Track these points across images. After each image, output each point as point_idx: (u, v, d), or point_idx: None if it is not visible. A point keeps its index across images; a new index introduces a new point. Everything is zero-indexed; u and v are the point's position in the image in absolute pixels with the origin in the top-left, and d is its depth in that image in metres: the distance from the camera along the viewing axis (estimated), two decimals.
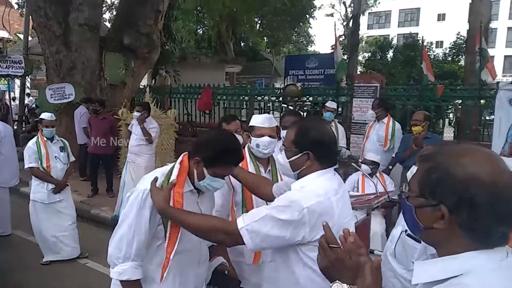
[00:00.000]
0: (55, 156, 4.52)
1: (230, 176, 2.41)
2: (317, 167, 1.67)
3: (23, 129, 11.06)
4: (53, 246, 4.52)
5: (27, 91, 13.94)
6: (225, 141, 1.87)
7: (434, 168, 0.96)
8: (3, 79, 13.87)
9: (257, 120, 2.51)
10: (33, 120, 11.04)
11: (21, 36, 12.03)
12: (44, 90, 8.18)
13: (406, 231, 1.92)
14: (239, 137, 3.21)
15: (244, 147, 2.56)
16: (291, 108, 8.68)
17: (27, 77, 11.03)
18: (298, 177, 1.71)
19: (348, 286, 1.12)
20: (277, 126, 2.58)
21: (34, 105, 12.65)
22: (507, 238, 0.93)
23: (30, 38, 11.41)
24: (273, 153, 2.51)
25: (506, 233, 0.92)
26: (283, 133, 3.16)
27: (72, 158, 4.81)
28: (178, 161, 1.91)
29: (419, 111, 5.49)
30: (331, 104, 5.84)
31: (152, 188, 1.78)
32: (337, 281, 1.15)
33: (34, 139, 4.54)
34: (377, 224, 4.13)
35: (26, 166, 4.46)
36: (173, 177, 1.85)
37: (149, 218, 1.79)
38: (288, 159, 1.72)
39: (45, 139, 4.50)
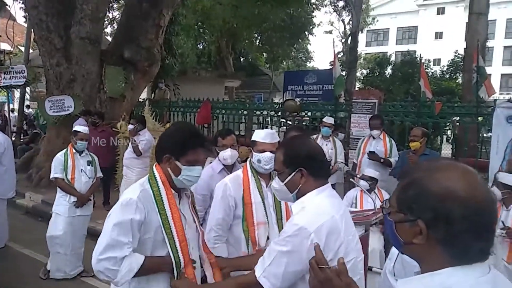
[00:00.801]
0: (81, 169, 4.45)
1: (231, 188, 2.42)
2: (312, 182, 1.64)
3: (21, 140, 11.05)
4: (62, 263, 4.37)
5: (27, 103, 13.96)
6: (183, 127, 1.95)
7: (411, 184, 0.97)
8: (2, 90, 13.96)
9: (259, 135, 2.52)
10: (31, 132, 11.01)
11: (23, 48, 12.11)
12: (43, 102, 8.20)
13: None
14: (235, 152, 3.21)
15: (245, 161, 2.55)
16: (290, 123, 8.72)
17: (27, 88, 11.07)
18: (297, 197, 1.68)
19: None
20: (279, 141, 2.59)
21: (33, 117, 12.65)
22: (487, 254, 0.92)
23: (31, 51, 11.50)
24: None
25: (485, 249, 0.91)
26: None
27: (100, 174, 4.72)
28: (156, 174, 1.88)
29: (417, 127, 5.52)
30: (328, 120, 5.85)
31: (174, 284, 1.82)
32: None
33: (64, 150, 4.51)
34: (375, 241, 4.10)
35: (51, 176, 4.46)
36: (160, 185, 1.85)
37: (131, 222, 1.76)
38: (282, 182, 1.69)
39: (74, 151, 4.44)
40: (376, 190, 4.50)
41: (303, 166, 1.63)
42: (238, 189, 2.44)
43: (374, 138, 5.42)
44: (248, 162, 2.55)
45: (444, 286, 0.89)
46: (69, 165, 4.39)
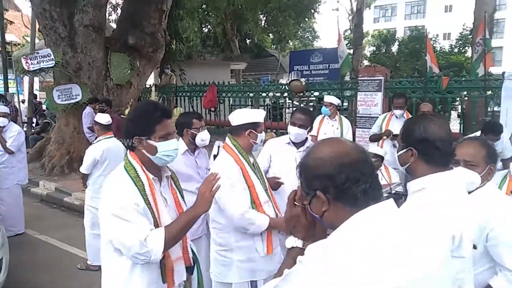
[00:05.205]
0: None
1: (238, 174, 2.42)
2: (424, 165, 1.64)
3: (33, 130, 11.22)
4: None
5: (36, 93, 14.10)
6: (142, 106, 1.94)
7: (300, 169, 1.17)
8: (12, 81, 14.13)
9: (259, 116, 2.57)
10: (42, 122, 11.17)
11: (29, 39, 12.16)
12: (51, 91, 8.29)
13: None
14: (207, 134, 3.23)
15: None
16: (296, 103, 8.70)
17: (35, 78, 11.15)
18: (408, 172, 1.74)
19: (300, 241, 1.26)
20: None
21: (45, 107, 12.80)
22: (370, 194, 1.07)
23: (37, 40, 11.56)
24: None
25: (369, 190, 1.07)
26: (291, 129, 3.18)
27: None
28: (132, 161, 1.83)
29: (424, 103, 5.47)
30: (327, 99, 5.60)
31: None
32: (292, 235, 1.29)
33: None
34: None
35: None
36: (139, 170, 1.80)
37: (134, 206, 1.73)
38: (397, 153, 1.77)
39: None
40: (383, 168, 4.48)
41: (414, 147, 1.66)
42: (239, 173, 2.45)
43: (397, 117, 5.22)
44: (231, 143, 2.53)
45: (351, 233, 1.03)
46: None
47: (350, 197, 1.07)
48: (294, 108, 8.91)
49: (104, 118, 4.49)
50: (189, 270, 2.04)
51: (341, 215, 1.08)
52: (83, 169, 4.41)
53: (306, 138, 3.26)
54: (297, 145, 3.23)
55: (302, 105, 8.50)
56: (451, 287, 1.19)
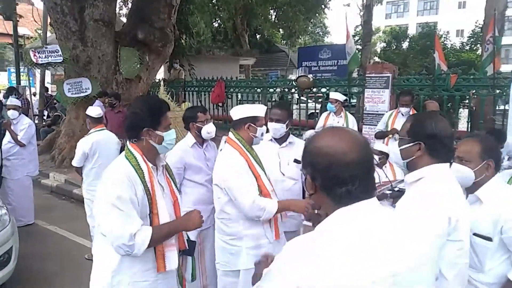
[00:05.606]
0: None
1: (246, 163, 2.54)
2: (428, 160, 1.70)
3: (44, 123, 11.40)
4: None
5: (47, 86, 14.29)
6: (149, 100, 2.10)
7: (305, 142, 1.20)
8: (24, 74, 14.33)
9: (259, 110, 2.64)
10: (52, 114, 11.33)
11: (41, 32, 12.30)
12: (62, 85, 8.41)
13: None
14: (212, 126, 3.27)
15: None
16: (304, 99, 8.71)
17: (47, 71, 11.29)
18: (408, 166, 1.78)
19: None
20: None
21: (55, 100, 12.99)
22: (354, 196, 1.06)
23: (49, 34, 11.70)
24: None
25: (354, 191, 1.07)
26: (269, 124, 3.12)
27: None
28: (133, 151, 1.96)
29: (430, 100, 5.45)
30: (333, 95, 5.59)
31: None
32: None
33: None
34: None
35: None
36: (140, 160, 1.93)
37: (131, 199, 1.84)
38: (399, 147, 1.80)
39: None
40: (387, 165, 4.48)
41: (422, 141, 1.71)
42: (245, 165, 2.53)
43: (403, 115, 5.18)
44: (234, 137, 2.61)
45: (332, 226, 1.06)
46: None
47: (334, 194, 1.08)
48: (303, 104, 8.94)
49: (94, 111, 4.50)
50: (186, 252, 2.16)
51: (326, 206, 1.12)
52: (74, 162, 4.46)
53: (288, 134, 3.21)
54: (279, 141, 3.18)
55: (309, 101, 8.52)
56: (447, 272, 1.31)
